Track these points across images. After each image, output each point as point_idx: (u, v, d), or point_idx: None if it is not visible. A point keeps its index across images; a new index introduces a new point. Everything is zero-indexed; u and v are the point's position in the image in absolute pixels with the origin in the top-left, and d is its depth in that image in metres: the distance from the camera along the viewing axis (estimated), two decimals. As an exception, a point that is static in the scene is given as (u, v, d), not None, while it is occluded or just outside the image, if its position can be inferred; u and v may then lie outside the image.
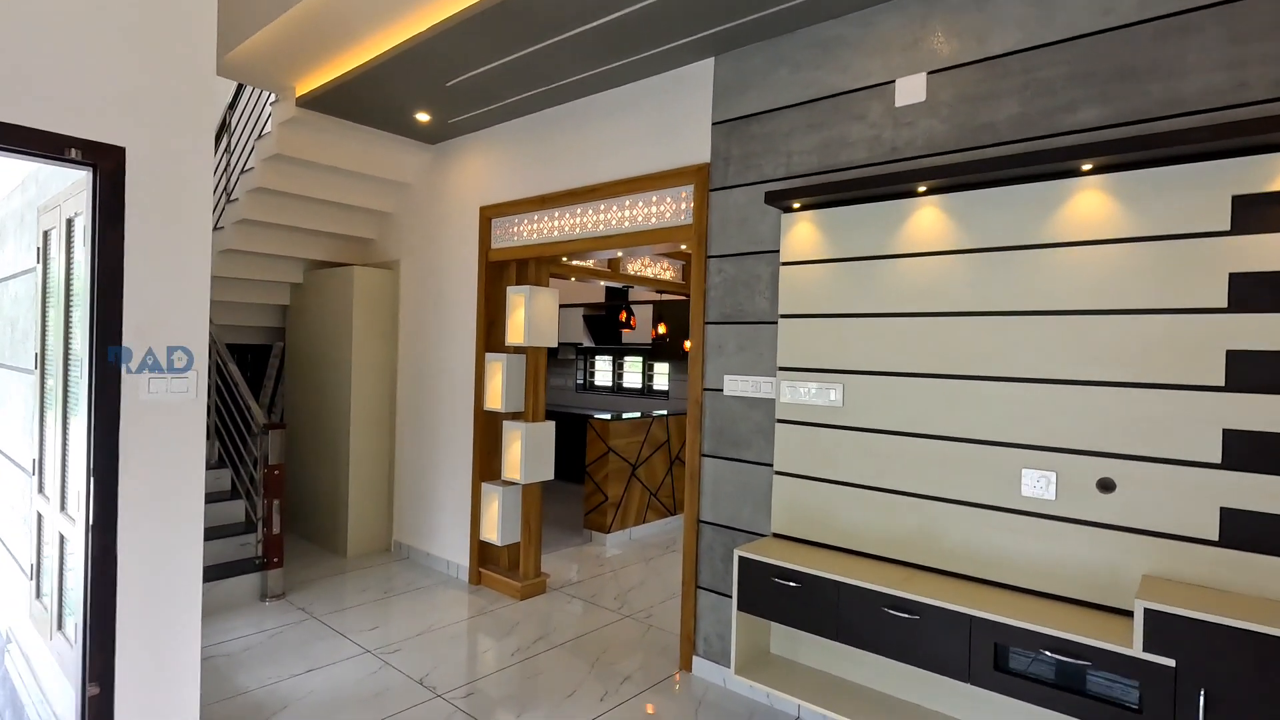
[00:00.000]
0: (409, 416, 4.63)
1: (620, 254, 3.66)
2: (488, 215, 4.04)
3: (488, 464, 4.11)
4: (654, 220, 3.26)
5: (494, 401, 3.97)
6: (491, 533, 3.95)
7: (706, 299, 3.02)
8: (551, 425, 3.96)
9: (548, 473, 3.95)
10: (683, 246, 3.39)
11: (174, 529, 2.22)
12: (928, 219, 2.35)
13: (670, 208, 3.20)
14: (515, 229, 3.92)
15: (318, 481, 4.88)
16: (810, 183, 2.68)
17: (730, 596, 2.92)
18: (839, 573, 2.30)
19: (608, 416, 5.11)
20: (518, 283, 4.05)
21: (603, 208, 3.47)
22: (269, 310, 5.37)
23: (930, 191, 2.34)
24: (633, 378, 7.86)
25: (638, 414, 5.60)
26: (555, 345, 3.97)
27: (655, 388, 7.58)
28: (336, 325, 4.71)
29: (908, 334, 2.39)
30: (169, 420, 2.21)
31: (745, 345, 2.89)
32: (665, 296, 6.88)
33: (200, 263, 2.26)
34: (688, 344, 5.79)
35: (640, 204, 3.31)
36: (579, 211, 3.58)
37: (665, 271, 5.54)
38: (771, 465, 2.79)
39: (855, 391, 2.52)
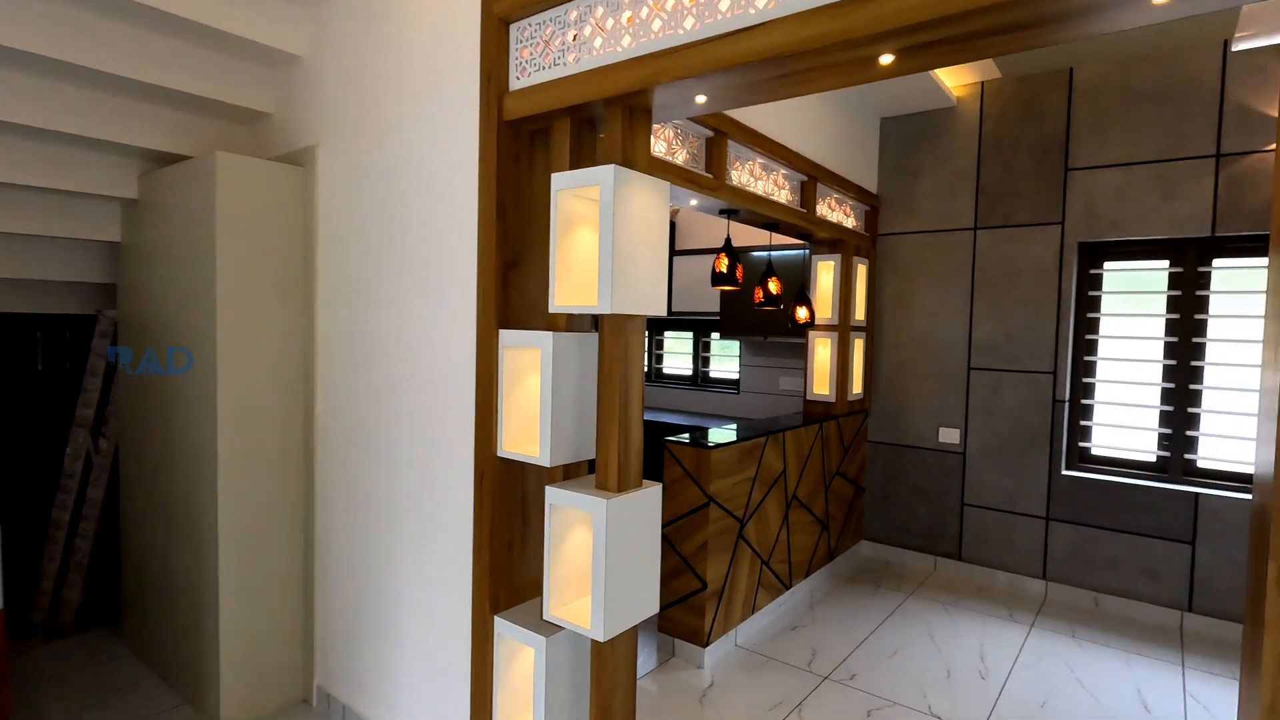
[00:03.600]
0: (341, 457, 2.37)
1: (888, 59, 1.40)
2: (501, 14, 1.77)
3: (506, 571, 1.89)
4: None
5: (519, 440, 1.78)
6: (520, 731, 1.77)
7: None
8: (657, 494, 1.76)
9: (650, 605, 1.76)
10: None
11: None
12: None
13: None
14: (569, 37, 1.66)
15: (169, 572, 2.61)
16: None
17: None
18: None
19: (712, 441, 2.91)
20: (576, 164, 1.78)
21: (851, -79, 1.23)
22: (87, 252, 3.02)
23: None
24: (678, 361, 5.66)
25: (724, 428, 3.41)
26: (666, 311, 1.75)
27: (715, 376, 5.40)
28: (187, 273, 2.41)
29: None
30: None
31: None
32: (755, 240, 4.65)
33: None
34: (802, 313, 3.63)
35: None
36: (762, -47, 1.33)
37: (779, 190, 3.32)
38: None
39: None
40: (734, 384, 5.19)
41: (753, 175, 3.09)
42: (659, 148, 2.51)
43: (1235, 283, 3.33)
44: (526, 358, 1.84)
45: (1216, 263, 3.37)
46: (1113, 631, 3.28)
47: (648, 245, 1.65)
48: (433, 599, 2.05)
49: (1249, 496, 3.21)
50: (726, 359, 5.31)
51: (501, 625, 1.82)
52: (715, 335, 5.35)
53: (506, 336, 1.78)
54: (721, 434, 3.11)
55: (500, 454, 1.80)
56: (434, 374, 2.01)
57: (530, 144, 1.87)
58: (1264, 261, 3.26)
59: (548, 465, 1.68)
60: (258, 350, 2.37)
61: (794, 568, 3.50)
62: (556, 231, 1.65)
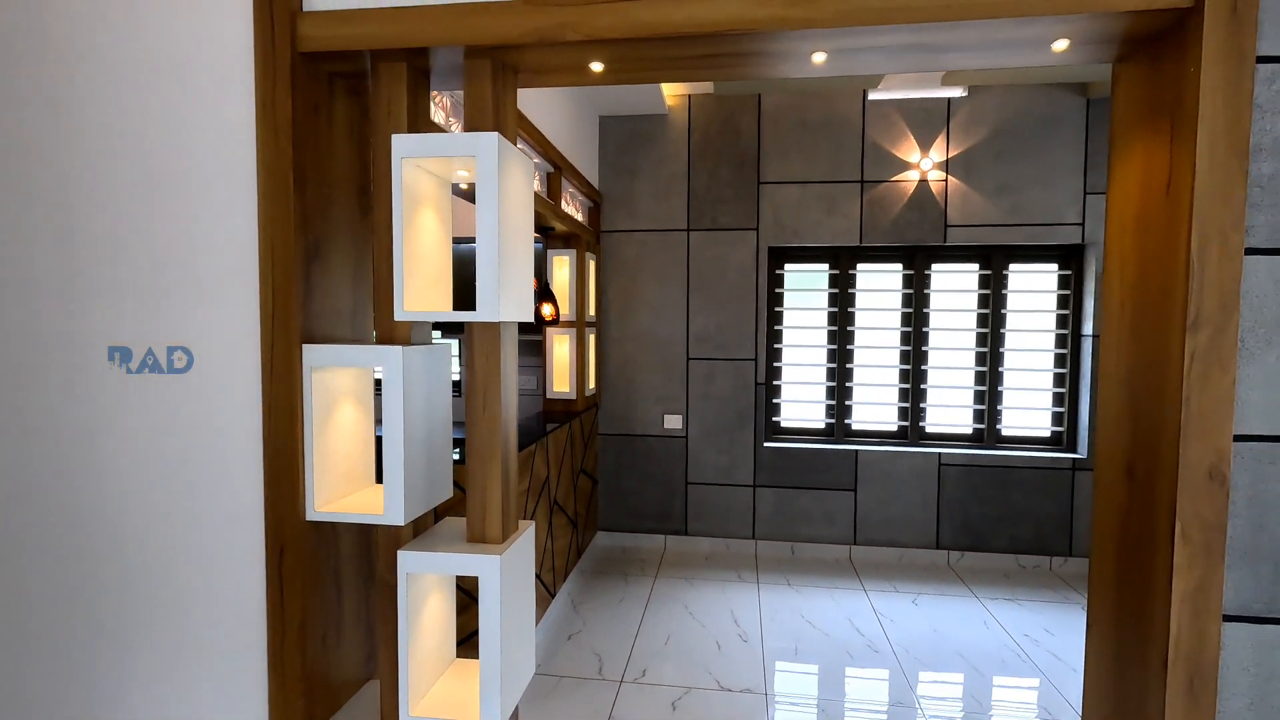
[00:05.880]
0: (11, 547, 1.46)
1: (820, 57, 1.32)
2: (288, -99, 1.25)
3: (322, 678, 1.38)
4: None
5: (339, 495, 1.34)
6: None
7: (1250, 187, 1.07)
8: (533, 532, 1.46)
9: (529, 667, 1.47)
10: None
11: None
12: None
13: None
14: (409, -44, 1.25)
15: None
16: None
17: None
18: None
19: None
20: (413, 127, 1.36)
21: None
22: None
23: None
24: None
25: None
26: (531, 316, 1.46)
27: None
28: None
29: None
30: None
31: (1379, 314, 1.06)
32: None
33: None
34: (547, 309, 3.48)
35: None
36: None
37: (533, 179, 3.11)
38: None
39: None
40: (454, 385, 4.78)
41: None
42: (437, 116, 2.11)
43: (873, 283, 4.25)
44: (341, 383, 1.38)
45: (860, 266, 4.25)
46: (811, 573, 3.93)
47: (523, 237, 1.36)
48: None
49: (889, 449, 4.15)
50: (440, 359, 4.87)
51: (324, 749, 1.34)
52: (435, 334, 4.85)
53: (318, 354, 1.30)
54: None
55: (312, 517, 1.31)
56: (184, 412, 1.35)
57: (330, 90, 1.38)
58: (892, 266, 4.23)
59: (400, 523, 1.28)
60: None
61: (556, 574, 3.38)
62: (402, 213, 1.24)
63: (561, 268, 3.86)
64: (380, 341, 1.34)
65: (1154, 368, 1.16)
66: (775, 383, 4.33)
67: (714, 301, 4.23)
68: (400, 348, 1.26)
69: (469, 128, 1.30)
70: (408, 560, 1.28)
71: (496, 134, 1.20)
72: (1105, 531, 1.33)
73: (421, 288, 1.31)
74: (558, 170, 3.33)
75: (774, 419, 4.36)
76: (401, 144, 1.23)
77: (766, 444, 4.25)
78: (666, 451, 4.32)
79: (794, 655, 2.97)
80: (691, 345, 4.27)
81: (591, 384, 4.11)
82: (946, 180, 4.01)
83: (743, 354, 4.23)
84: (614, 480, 4.38)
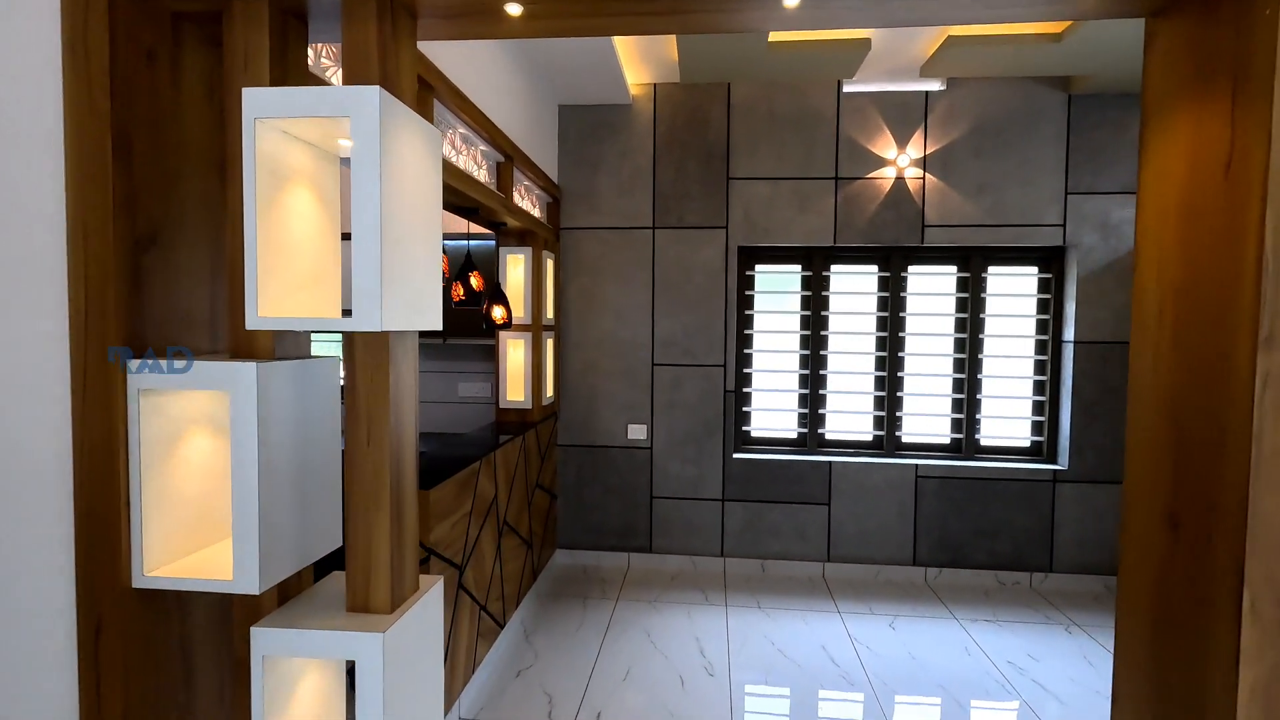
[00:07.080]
0: None
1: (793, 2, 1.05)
2: None
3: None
4: None
5: (180, 552, 1.04)
6: None
7: (1338, 157, 0.84)
8: (439, 593, 1.18)
9: (437, 757, 1.19)
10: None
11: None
12: None
13: None
14: None
15: None
16: None
17: None
18: None
19: (429, 479, 2.26)
20: (282, 81, 1.07)
21: None
22: None
23: None
24: (318, 368, 4.62)
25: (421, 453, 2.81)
26: (440, 324, 1.18)
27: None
28: None
29: None
30: None
31: None
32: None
33: None
34: (498, 312, 3.19)
35: None
36: None
37: (478, 168, 2.81)
38: None
39: None
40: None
41: (454, 148, 2.55)
42: (352, 90, 1.82)
43: (848, 285, 4.04)
44: (189, 408, 1.08)
45: (834, 268, 4.03)
46: (783, 593, 3.70)
47: (423, 224, 1.08)
48: None
49: (864, 460, 3.93)
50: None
51: None
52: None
53: (136, 374, 1.00)
54: (435, 465, 2.51)
55: (140, 583, 1.02)
56: (-41, 445, 1.05)
57: (175, 36, 1.08)
58: (867, 268, 4.01)
59: (254, 591, 0.99)
60: None
61: (506, 601, 3.09)
62: (256, 191, 0.96)
63: (516, 267, 3.57)
64: (233, 355, 1.05)
65: (1209, 392, 0.92)
66: (745, 390, 4.09)
67: (681, 304, 3.98)
68: (253, 364, 0.97)
69: (348, 81, 1.02)
70: (263, 639, 0.99)
71: (378, 88, 0.93)
72: (1136, 590, 1.10)
73: (289, 287, 1.02)
74: (509, 160, 3.05)
75: (744, 429, 4.12)
76: (255, 101, 0.95)
77: (736, 455, 4.01)
78: (630, 463, 4.05)
79: (764, 690, 2.72)
80: (657, 350, 4.01)
81: (549, 392, 3.82)
82: (924, 178, 3.81)
83: (711, 360, 3.98)
84: (574, 495, 4.09)
